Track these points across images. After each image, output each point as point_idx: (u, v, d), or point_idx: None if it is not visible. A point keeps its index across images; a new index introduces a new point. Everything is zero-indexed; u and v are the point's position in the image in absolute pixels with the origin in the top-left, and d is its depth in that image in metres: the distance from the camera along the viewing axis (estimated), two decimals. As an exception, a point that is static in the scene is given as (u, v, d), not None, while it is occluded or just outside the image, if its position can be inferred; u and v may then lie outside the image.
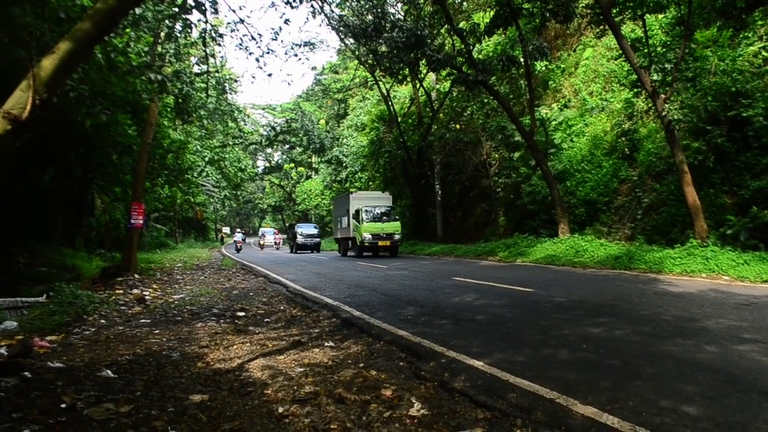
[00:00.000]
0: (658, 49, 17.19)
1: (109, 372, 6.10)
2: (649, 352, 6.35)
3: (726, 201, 15.67)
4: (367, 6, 24.87)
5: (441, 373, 5.85)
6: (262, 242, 53.58)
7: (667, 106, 15.29)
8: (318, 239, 44.62)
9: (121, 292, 13.66)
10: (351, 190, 37.09)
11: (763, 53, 16.30)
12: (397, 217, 30.52)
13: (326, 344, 7.61)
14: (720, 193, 15.92)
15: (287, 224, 57.24)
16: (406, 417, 4.62)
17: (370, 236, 28.57)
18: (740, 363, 5.76)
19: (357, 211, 30.05)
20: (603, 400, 4.77)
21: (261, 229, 74.37)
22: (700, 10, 17.23)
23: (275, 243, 56.29)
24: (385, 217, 29.40)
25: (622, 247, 17.89)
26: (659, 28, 20.00)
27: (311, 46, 32.31)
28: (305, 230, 45.17)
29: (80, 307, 10.51)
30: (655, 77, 16.28)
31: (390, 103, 35.63)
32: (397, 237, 29.10)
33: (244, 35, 36.25)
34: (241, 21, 15.28)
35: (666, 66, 16.18)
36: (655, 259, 15.24)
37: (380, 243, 28.77)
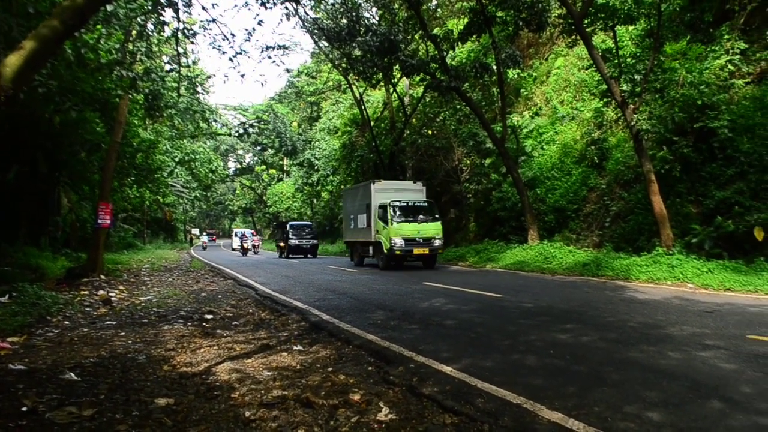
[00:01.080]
0: (628, 60, 17.46)
1: (73, 375, 6.00)
2: (615, 359, 6.44)
3: (691, 210, 15.96)
4: (341, 9, 24.86)
5: (410, 378, 5.86)
6: (245, 245, 44.42)
7: (635, 116, 15.54)
8: (315, 241, 37.44)
9: (86, 293, 13.45)
10: (373, 180, 24.64)
11: (729, 67, 16.65)
12: (437, 215, 22.14)
13: (295, 348, 7.57)
14: (686, 203, 16.21)
15: (275, 223, 50.90)
16: (374, 422, 4.62)
17: (401, 241, 20.82)
18: (703, 369, 5.86)
19: (383, 207, 21.93)
20: (569, 405, 4.82)
21: (236, 229, 62.89)
22: (670, 23, 17.56)
23: (254, 246, 46.96)
24: (421, 216, 21.63)
25: (590, 254, 18.11)
26: (629, 39, 20.32)
27: (284, 49, 32.01)
28: (299, 231, 37.70)
29: (44, 308, 10.33)
30: (624, 87, 16.53)
31: (363, 107, 35.61)
32: (437, 242, 21.35)
33: (216, 35, 36.17)
34: (214, 20, 15.19)
35: (635, 77, 16.45)
36: (622, 266, 15.46)
37: (416, 251, 20.95)
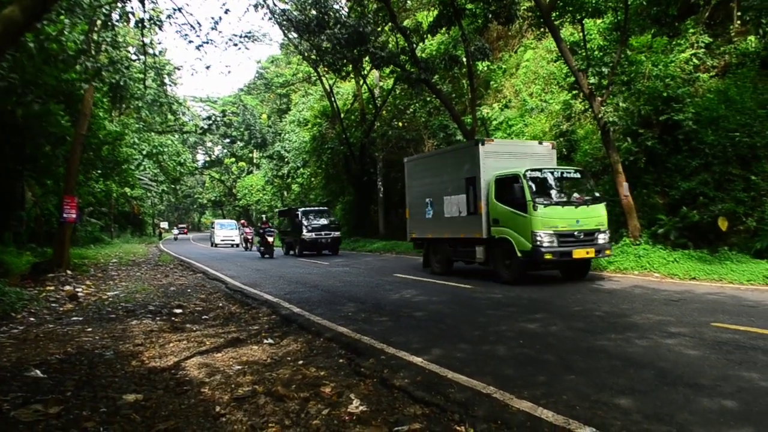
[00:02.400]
0: (596, 53, 17.61)
1: (38, 372, 5.91)
2: (583, 347, 6.54)
3: (658, 201, 16.21)
4: (310, 0, 24.67)
5: (380, 370, 5.88)
6: (248, 237, 35.89)
7: (603, 108, 15.70)
8: (336, 233, 27.58)
9: (52, 288, 13.23)
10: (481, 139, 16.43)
11: (694, 60, 16.91)
12: (597, 194, 13.91)
13: (265, 341, 7.55)
14: (652, 194, 16.45)
15: (278, 211, 38.76)
16: (345, 414, 4.63)
17: (554, 239, 12.38)
18: (668, 356, 5.98)
19: (506, 181, 13.40)
20: (538, 394, 4.89)
21: (219, 221, 52.93)
22: (636, 17, 17.74)
23: (246, 241, 36.42)
24: (576, 195, 13.39)
25: (558, 245, 18.24)
26: (597, 32, 20.49)
27: (250, 38, 31.23)
28: (315, 220, 27.85)
29: (8, 305, 10.14)
30: (592, 80, 16.68)
31: (333, 99, 35.46)
32: (603, 239, 13.08)
33: (183, 24, 35.56)
34: (179, 9, 14.95)
35: (603, 69, 16.60)
36: (590, 256, 15.62)
37: (577, 253, 12.58)
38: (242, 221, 44.70)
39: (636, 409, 4.47)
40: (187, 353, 6.94)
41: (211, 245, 45.35)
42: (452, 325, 8.21)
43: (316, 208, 31.84)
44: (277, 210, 41.89)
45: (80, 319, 9.68)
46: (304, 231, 26.64)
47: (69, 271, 16.70)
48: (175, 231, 61.48)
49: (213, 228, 48.17)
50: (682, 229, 14.70)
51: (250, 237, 35.62)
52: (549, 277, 13.85)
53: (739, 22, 16.44)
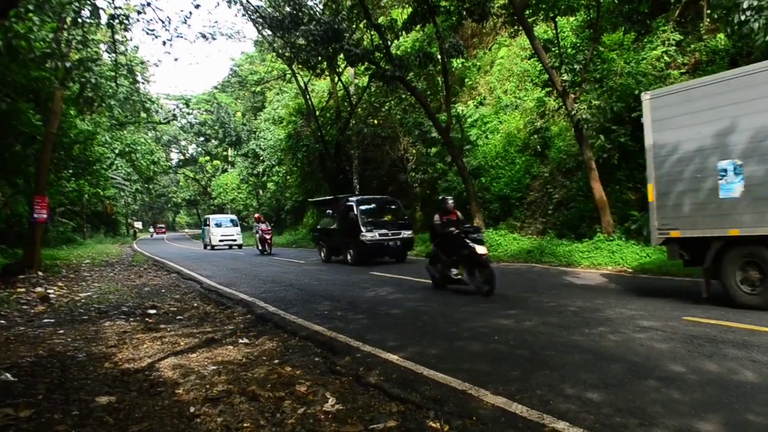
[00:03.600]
0: (569, 50, 17.78)
1: (8, 375, 5.81)
2: (557, 343, 6.60)
3: (630, 197, 16.41)
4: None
5: (356, 368, 5.88)
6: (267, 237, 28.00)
7: (576, 105, 15.85)
8: (408, 232, 19.76)
9: (23, 290, 13.00)
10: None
11: (665, 58, 17.13)
12: None
13: (240, 341, 7.50)
14: (625, 190, 16.65)
15: (313, 201, 32.33)
16: (321, 412, 4.62)
17: None
18: (640, 351, 6.05)
19: None
20: (512, 390, 4.92)
21: (214, 216, 41.25)
22: (608, 15, 17.92)
23: (264, 241, 28.15)
24: None
25: (534, 241, 18.46)
26: (570, 30, 20.69)
27: (212, 33, 30.36)
28: (377, 216, 20.21)
29: (-23, 307, 9.95)
30: (565, 77, 16.84)
31: (308, 96, 35.32)
32: None
33: (151, 19, 34.94)
34: (148, 4, 14.75)
35: (575, 67, 16.76)
36: (564, 252, 15.82)
37: None
38: (257, 215, 33.06)
39: (608, 402, 4.52)
40: (161, 354, 6.87)
41: (205, 247, 37.68)
42: (428, 322, 8.23)
43: (378, 197, 22.96)
44: (312, 200, 31.49)
45: (52, 321, 9.53)
46: (364, 231, 18.25)
47: (40, 273, 16.44)
48: (151, 230, 61.40)
49: (207, 226, 38.17)
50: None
51: (269, 236, 27.60)
52: (523, 274, 13.95)
53: (708, 20, 16.67)
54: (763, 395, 4.57)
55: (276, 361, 6.40)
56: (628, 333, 6.89)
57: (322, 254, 21.51)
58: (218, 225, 38.08)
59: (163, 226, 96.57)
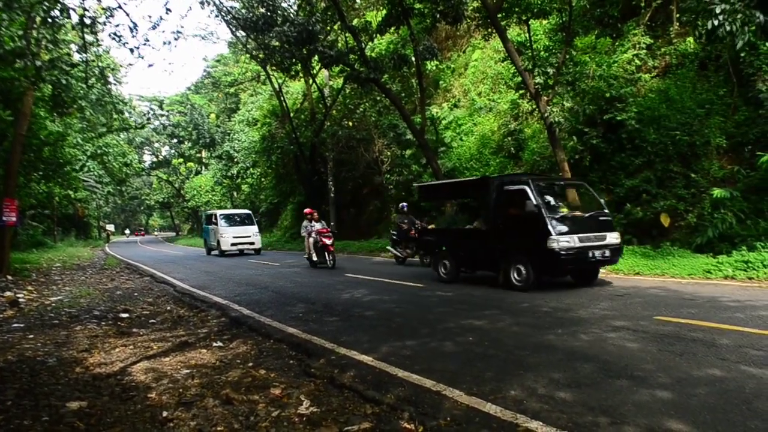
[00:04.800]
0: (542, 53, 17.91)
1: (-25, 381, 5.70)
2: (530, 343, 6.65)
3: (603, 198, 16.58)
4: (258, -2, 24.42)
5: (330, 370, 5.87)
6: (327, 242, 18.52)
7: (549, 108, 15.98)
8: (614, 235, 11.80)
9: (-9, 294, 12.77)
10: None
11: (636, 61, 17.37)
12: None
13: (214, 344, 7.46)
14: (597, 191, 16.81)
15: (422, 187, 17.07)
16: (295, 415, 4.61)
17: None
18: (612, 350, 6.12)
19: None
20: (486, 390, 4.95)
21: (220, 212, 31.59)
22: (580, 18, 18.12)
23: (326, 248, 18.59)
24: None
25: (507, 242, 18.52)
26: (543, 33, 20.86)
27: (178, 34, 29.91)
28: (571, 209, 12.72)
29: (-56, 312, 9.75)
30: (538, 80, 16.95)
31: (282, 98, 35.19)
32: None
33: (120, 24, 34.50)
34: (120, 7, 14.57)
35: (548, 69, 16.88)
36: (538, 253, 15.88)
37: None
38: (308, 209, 21.18)
39: (581, 401, 4.57)
40: (133, 358, 6.80)
41: (209, 252, 30.36)
42: (403, 324, 8.25)
43: (564, 180, 15.22)
44: (416, 186, 18.92)
45: (21, 325, 9.36)
46: (554, 233, 10.94)
47: (9, 277, 16.14)
48: (127, 232, 61.33)
49: (213, 224, 29.62)
50: (626, 225, 15.08)
51: (330, 241, 18.45)
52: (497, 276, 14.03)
53: (678, 24, 16.93)
54: (732, 393, 4.65)
55: (250, 364, 6.37)
56: (600, 333, 6.96)
57: (442, 270, 13.45)
58: (229, 222, 29.16)
59: (142, 229, 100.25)
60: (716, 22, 9.73)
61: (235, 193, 53.15)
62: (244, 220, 29.99)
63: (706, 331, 6.82)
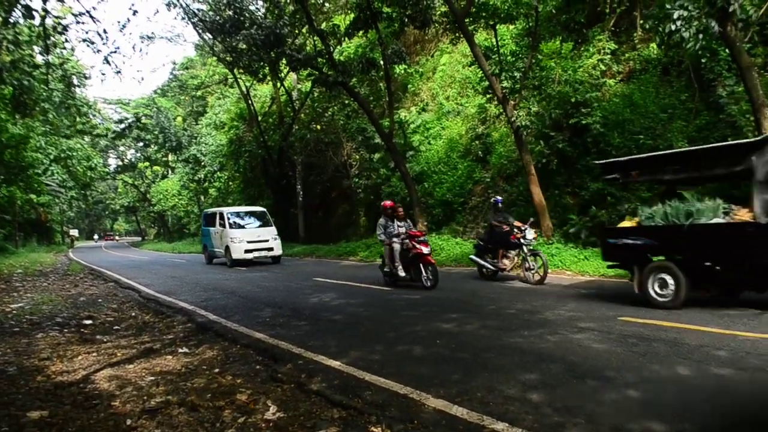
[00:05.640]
0: (509, 58, 18.09)
1: (-69, 391, 5.54)
2: (497, 345, 6.69)
3: (569, 201, 16.79)
4: (225, 1, 24.21)
5: (298, 375, 5.84)
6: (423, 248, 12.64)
7: (515, 112, 16.13)
8: None
9: (-52, 301, 12.45)
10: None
11: (601, 66, 17.63)
12: None
13: (180, 351, 7.36)
14: (563, 194, 17.03)
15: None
16: (262, 421, 4.58)
17: None
18: (577, 351, 6.19)
19: None
20: (453, 392, 4.97)
21: (228, 210, 24.09)
22: (547, 23, 18.33)
23: (424, 260, 12.68)
24: None
25: (475, 245, 18.69)
26: (510, 38, 21.06)
27: (149, 39, 29.17)
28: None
29: None
30: (505, 84, 17.11)
31: (250, 101, 34.98)
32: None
33: (89, 30, 33.66)
34: (88, 12, 14.32)
35: (515, 74, 17.05)
36: (505, 256, 16.04)
37: None
38: (388, 202, 14.67)
39: (546, 402, 4.61)
40: (96, 366, 6.67)
41: (211, 260, 24.57)
42: (370, 327, 8.24)
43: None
44: (601, 162, 10.34)
45: (-21, 333, 9.15)
46: None
47: (-32, 283, 15.77)
48: (96, 237, 60.52)
49: (220, 226, 23.14)
50: (591, 228, 15.27)
51: (427, 249, 12.91)
52: (465, 278, 14.09)
53: (641, 30, 17.21)
54: (694, 391, 4.73)
55: (216, 370, 6.29)
56: (566, 334, 7.04)
57: (657, 291, 8.73)
58: (240, 223, 23.01)
59: (112, 233, 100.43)
60: (674, 27, 9.95)
61: (202, 197, 52.60)
62: (260, 220, 23.65)
63: (668, 331, 6.93)
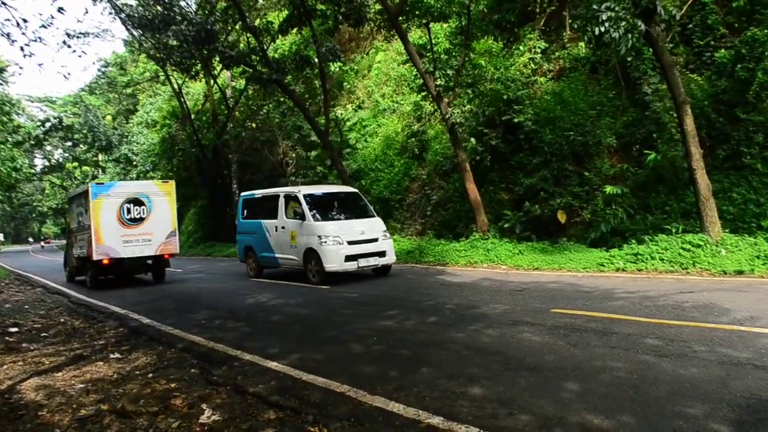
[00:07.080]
0: (442, 56, 18.26)
1: None
2: (435, 340, 6.76)
3: (503, 197, 17.11)
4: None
5: (234, 377, 5.79)
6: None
7: (450, 109, 16.32)
8: None
9: None
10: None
11: (532, 64, 18.01)
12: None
13: (112, 356, 7.17)
14: (498, 190, 17.34)
15: None
16: (197, 425, 4.52)
17: None
18: (514, 344, 6.32)
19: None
20: (390, 389, 5.00)
21: (304, 191, 14.48)
22: (479, 22, 18.60)
23: None
24: None
25: (413, 242, 18.83)
26: (443, 36, 21.26)
27: (87, 36, 27.99)
28: None
29: None
30: (439, 82, 17.26)
31: (183, 99, 34.24)
32: None
33: (6, 20, 32.14)
34: (4, 3, 13.69)
35: (449, 72, 17.22)
36: (443, 251, 16.25)
37: None
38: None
39: (482, 395, 4.69)
40: (23, 375, 6.44)
41: (259, 273, 16.19)
42: (309, 327, 8.21)
43: None
44: None
45: None
46: None
47: None
48: (31, 240, 58.40)
49: (289, 219, 14.56)
50: (525, 222, 15.63)
51: None
52: (404, 274, 14.17)
53: (570, 29, 17.65)
54: (622, 379, 4.89)
55: (150, 375, 6.16)
56: (502, 328, 7.16)
57: None
58: (326, 213, 14.32)
59: (48, 236, 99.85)
60: (602, 29, 10.24)
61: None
62: (356, 208, 15.00)
63: (599, 321, 7.15)
